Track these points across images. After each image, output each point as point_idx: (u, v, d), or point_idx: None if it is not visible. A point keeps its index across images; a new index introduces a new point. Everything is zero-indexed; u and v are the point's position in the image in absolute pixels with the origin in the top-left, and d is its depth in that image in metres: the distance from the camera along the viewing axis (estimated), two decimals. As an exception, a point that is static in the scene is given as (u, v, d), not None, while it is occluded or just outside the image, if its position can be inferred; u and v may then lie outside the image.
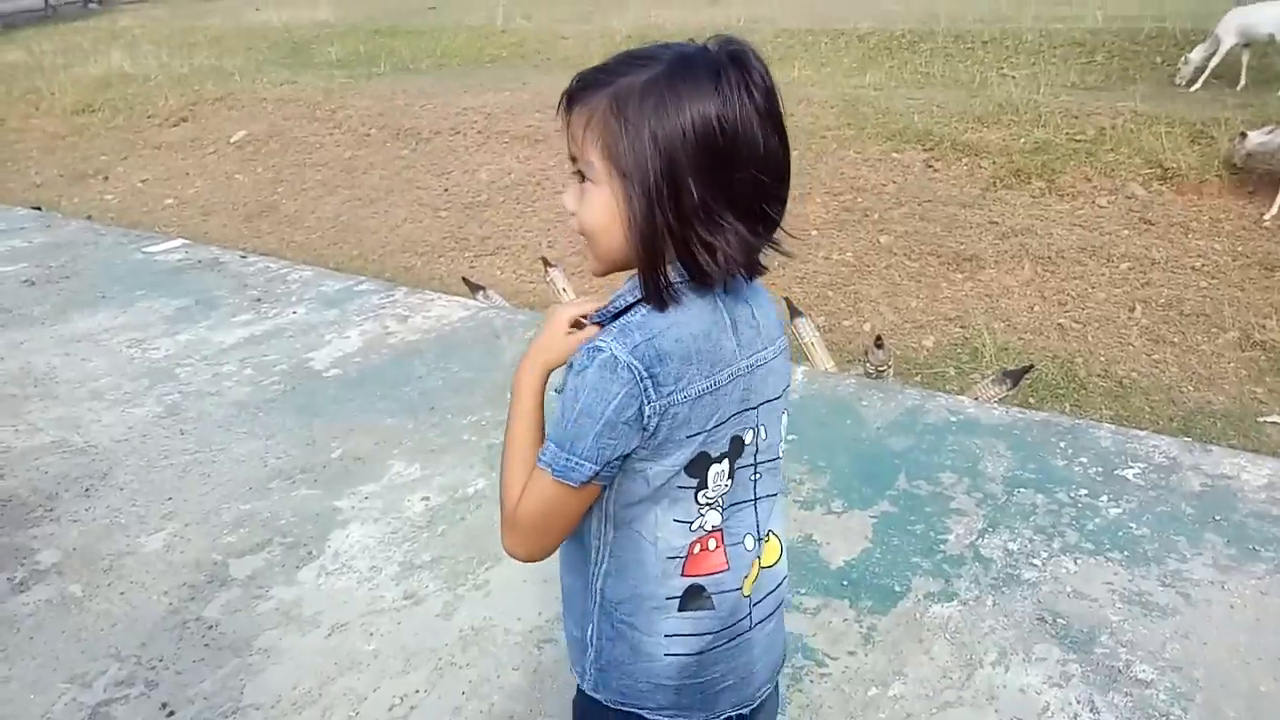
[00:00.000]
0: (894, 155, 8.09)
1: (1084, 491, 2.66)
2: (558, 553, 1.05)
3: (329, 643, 2.20)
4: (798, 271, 7.44)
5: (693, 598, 1.02)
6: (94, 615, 2.32)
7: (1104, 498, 2.63)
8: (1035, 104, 7.71)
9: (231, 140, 10.33)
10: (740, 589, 1.05)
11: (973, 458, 2.85)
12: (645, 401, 0.90)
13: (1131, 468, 2.76)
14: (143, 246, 5.36)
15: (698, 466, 0.97)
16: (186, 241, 5.56)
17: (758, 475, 1.04)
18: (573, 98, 0.94)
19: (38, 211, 6.65)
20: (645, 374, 0.90)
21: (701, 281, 0.93)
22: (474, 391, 3.45)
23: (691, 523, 0.99)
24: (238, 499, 2.79)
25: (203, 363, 3.75)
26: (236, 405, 3.38)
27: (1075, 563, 2.37)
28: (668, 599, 1.01)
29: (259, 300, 4.45)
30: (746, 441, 1.01)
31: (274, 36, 15.43)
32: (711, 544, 1.01)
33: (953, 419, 3.09)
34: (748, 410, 1.00)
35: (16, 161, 11.07)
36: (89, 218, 7.23)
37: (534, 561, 1.00)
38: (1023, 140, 7.19)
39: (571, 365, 0.95)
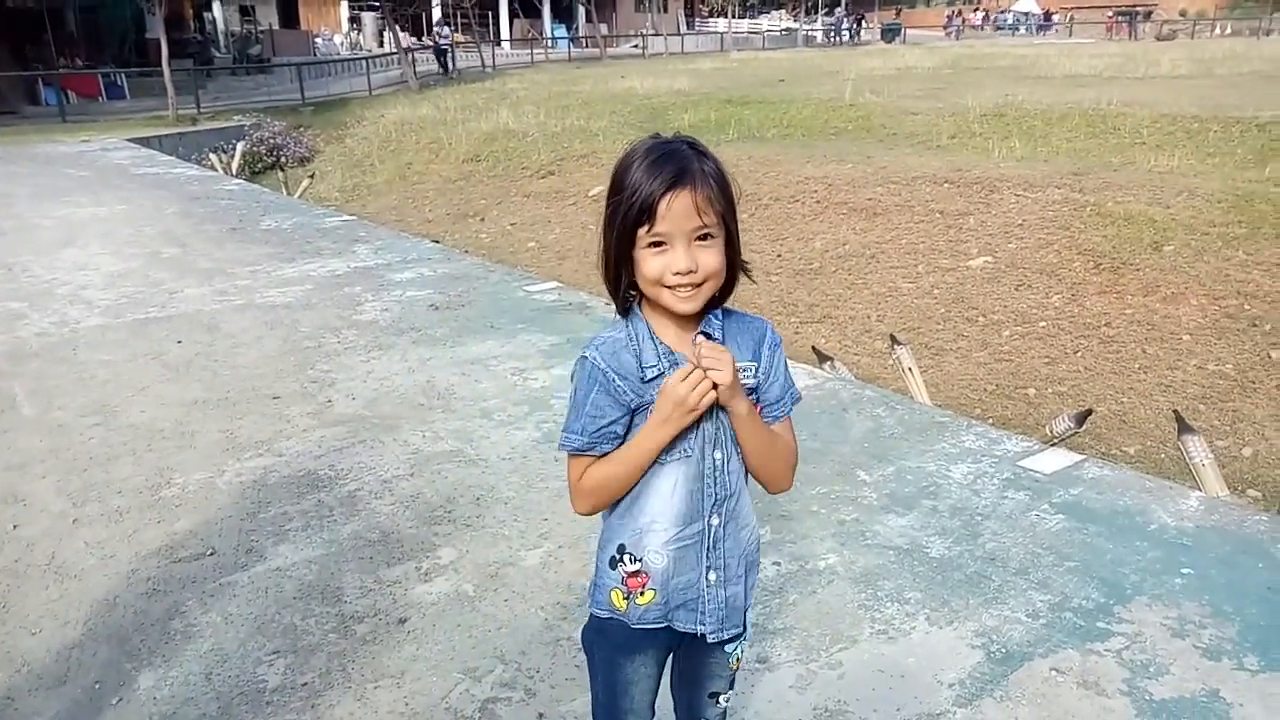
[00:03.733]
0: (1301, 261, 7.09)
1: None
2: None
3: (686, 690, 2.26)
4: (1162, 378, 6.70)
5: None
6: (483, 616, 2.58)
7: None
8: None
9: (590, 194, 11.34)
10: None
11: None
12: None
13: None
14: (523, 285, 6.03)
15: None
16: (559, 285, 6.16)
17: None
18: (696, 180, 1.26)
19: (437, 244, 7.72)
20: None
21: None
22: (821, 462, 3.45)
23: None
24: (603, 531, 2.99)
25: (572, 398, 4.10)
26: (601, 442, 3.64)
27: None
28: None
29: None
30: None
31: (635, 103, 16.83)
32: None
33: (1403, 588, 2.58)
34: None
35: (416, 200, 12.97)
36: (465, 252, 8.26)
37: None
38: None
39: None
